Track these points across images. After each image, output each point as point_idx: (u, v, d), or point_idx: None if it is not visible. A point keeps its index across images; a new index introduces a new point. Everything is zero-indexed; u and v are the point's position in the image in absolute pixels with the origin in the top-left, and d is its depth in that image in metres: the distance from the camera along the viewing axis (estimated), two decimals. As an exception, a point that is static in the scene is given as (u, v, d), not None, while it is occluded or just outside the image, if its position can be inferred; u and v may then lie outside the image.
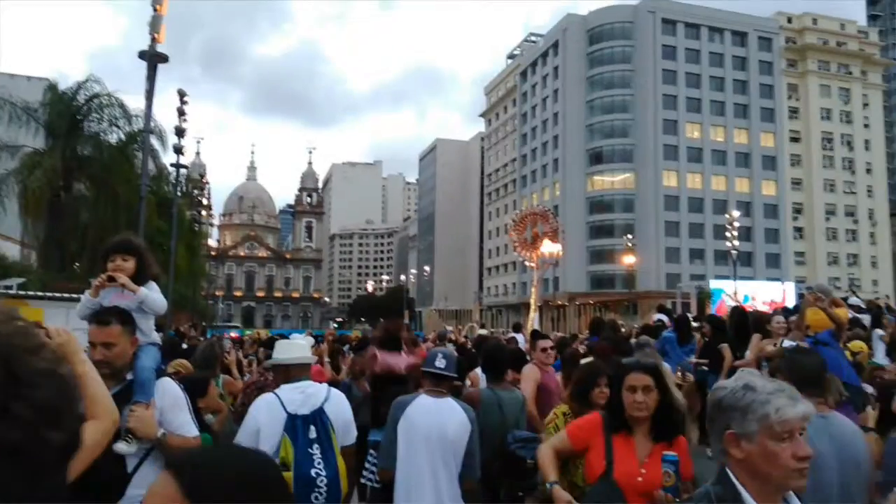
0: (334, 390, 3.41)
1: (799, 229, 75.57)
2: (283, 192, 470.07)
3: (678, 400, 2.83)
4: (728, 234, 39.74)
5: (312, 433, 3.11)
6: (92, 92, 23.27)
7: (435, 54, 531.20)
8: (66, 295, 11.27)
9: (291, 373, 3.37)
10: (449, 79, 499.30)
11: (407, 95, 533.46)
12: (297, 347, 3.49)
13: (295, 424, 3.11)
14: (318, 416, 3.18)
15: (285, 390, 3.28)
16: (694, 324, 10.03)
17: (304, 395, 3.23)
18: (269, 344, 8.51)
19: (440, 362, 3.72)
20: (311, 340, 3.63)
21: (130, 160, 23.57)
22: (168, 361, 4.75)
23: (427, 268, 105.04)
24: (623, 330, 11.93)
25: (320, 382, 3.61)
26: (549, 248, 30.92)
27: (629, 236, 53.34)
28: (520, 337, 12.60)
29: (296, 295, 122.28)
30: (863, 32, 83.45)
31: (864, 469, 2.63)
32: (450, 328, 28.06)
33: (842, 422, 2.81)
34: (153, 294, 2.89)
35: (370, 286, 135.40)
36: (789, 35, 78.34)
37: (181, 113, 18.84)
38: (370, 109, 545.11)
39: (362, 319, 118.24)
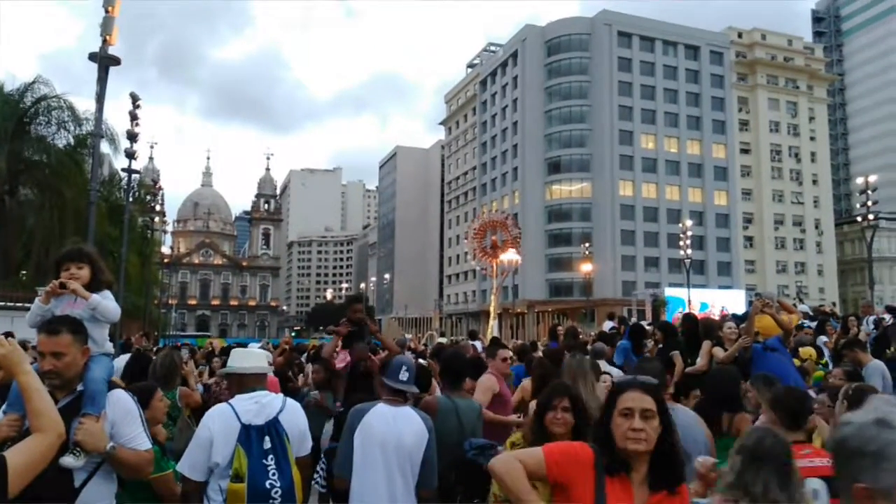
0: (290, 400, 3.35)
1: (749, 238, 77.76)
2: (239, 199, 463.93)
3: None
4: (682, 242, 40.63)
5: (267, 444, 3.06)
6: (40, 94, 22.59)
7: (398, 62, 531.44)
8: (9, 304, 10.88)
9: (246, 382, 3.32)
10: (412, 87, 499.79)
11: (369, 103, 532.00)
12: (252, 356, 3.45)
13: (249, 435, 3.06)
14: (273, 427, 3.13)
15: (239, 400, 3.23)
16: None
17: (258, 406, 3.18)
18: (227, 353, 8.38)
19: (403, 375, 3.71)
20: (268, 354, 3.58)
21: (80, 164, 22.91)
22: (132, 377, 4.67)
23: (387, 275, 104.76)
24: (581, 337, 12.09)
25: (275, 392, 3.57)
26: (508, 256, 31.17)
27: (586, 244, 54.08)
28: (478, 345, 12.66)
29: (252, 303, 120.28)
30: (809, 48, 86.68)
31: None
32: (409, 336, 28.00)
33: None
34: (105, 301, 2.84)
35: (329, 294, 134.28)
36: (739, 50, 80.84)
37: (133, 117, 18.41)
38: (331, 116, 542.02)
39: (321, 328, 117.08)
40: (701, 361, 6.79)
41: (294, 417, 3.27)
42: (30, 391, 2.12)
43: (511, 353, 6.72)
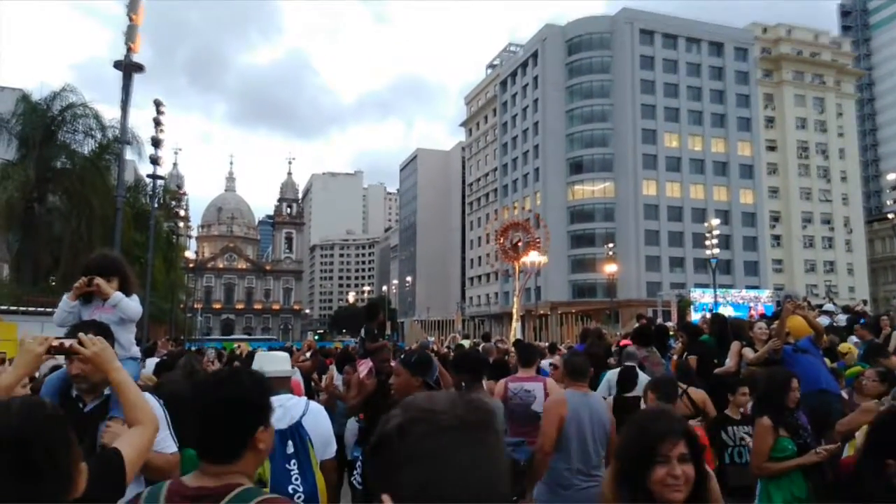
0: (313, 404, 3.35)
1: (777, 237, 76.67)
2: (263, 203, 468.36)
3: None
4: (707, 242, 40.21)
5: (290, 448, 3.04)
6: (67, 102, 23.00)
7: (423, 65, 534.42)
8: (40, 309, 11.08)
9: (273, 386, 3.33)
10: (435, 89, 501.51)
11: (393, 106, 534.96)
12: (276, 360, 3.46)
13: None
14: (296, 431, 3.11)
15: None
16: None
17: (282, 410, 3.14)
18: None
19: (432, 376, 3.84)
20: (286, 356, 3.59)
21: (105, 171, 23.28)
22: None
23: (409, 278, 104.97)
24: (607, 338, 11.98)
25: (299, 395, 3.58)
26: (533, 257, 31.06)
27: (610, 245, 53.71)
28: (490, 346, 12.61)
29: (276, 307, 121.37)
30: (836, 43, 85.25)
31: (606, 428, 4.26)
32: (432, 339, 28.01)
33: (597, 399, 4.50)
34: (127, 299, 2.87)
35: (351, 297, 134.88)
36: (764, 45, 79.79)
37: (157, 123, 18.69)
38: (355, 121, 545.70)
39: (343, 331, 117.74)
40: (730, 362, 6.71)
41: (317, 421, 3.25)
42: (123, 386, 2.19)
43: (556, 361, 6.64)
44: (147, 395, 2.84)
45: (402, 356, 3.96)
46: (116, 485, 1.91)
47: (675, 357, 8.16)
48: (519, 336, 27.63)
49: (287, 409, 3.18)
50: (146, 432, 2.13)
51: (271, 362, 3.42)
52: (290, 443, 3.07)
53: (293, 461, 3.03)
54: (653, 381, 4.51)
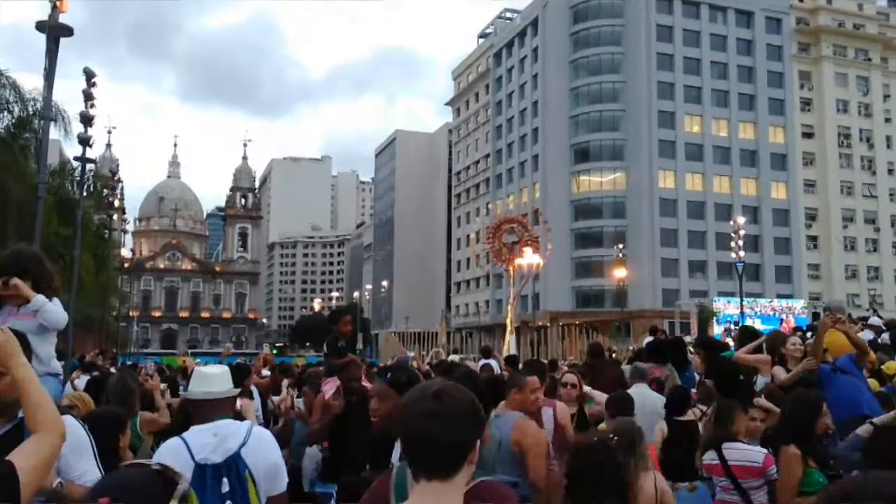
0: (257, 429, 3.29)
1: (813, 238, 77.38)
2: (212, 193, 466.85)
3: None
4: (733, 243, 40.51)
5: (224, 486, 2.98)
6: (-22, 70, 22.65)
7: (406, 35, 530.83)
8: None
9: (206, 410, 3.25)
10: (420, 63, 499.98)
11: (370, 82, 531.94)
12: (215, 378, 3.39)
13: (204, 476, 2.98)
14: (233, 464, 3.04)
15: (195, 433, 3.16)
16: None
17: (217, 439, 3.09)
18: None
19: None
20: (226, 372, 3.50)
21: (23, 152, 22.97)
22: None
23: (385, 282, 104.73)
24: (615, 354, 12.04)
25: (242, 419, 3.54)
26: (530, 259, 31.08)
27: (620, 246, 54.04)
28: (494, 364, 12.63)
29: (227, 315, 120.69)
30: (883, 14, 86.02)
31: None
32: (412, 354, 27.96)
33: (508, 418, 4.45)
34: (50, 304, 2.82)
35: (317, 304, 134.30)
36: (801, 15, 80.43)
37: (88, 97, 18.44)
38: (326, 98, 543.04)
39: (307, 344, 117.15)
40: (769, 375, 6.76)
41: (261, 450, 3.17)
42: (26, 383, 2.14)
43: (574, 380, 6.67)
44: (70, 419, 2.78)
45: (389, 374, 3.86)
46: (8, 501, 1.87)
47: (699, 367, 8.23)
48: (513, 351, 27.66)
49: (223, 438, 3.10)
50: (48, 439, 2.07)
51: (208, 381, 3.35)
52: (224, 480, 3.00)
53: (228, 502, 2.97)
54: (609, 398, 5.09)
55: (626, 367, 8.25)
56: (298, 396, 7.93)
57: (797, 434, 4.22)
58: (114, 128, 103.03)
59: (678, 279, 70.20)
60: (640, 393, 6.34)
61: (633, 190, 71.67)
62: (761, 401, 5.82)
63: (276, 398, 8.89)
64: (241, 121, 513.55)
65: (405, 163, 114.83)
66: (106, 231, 34.00)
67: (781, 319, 39.19)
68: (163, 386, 7.92)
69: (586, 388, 6.86)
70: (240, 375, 6.11)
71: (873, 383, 6.91)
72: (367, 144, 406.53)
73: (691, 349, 11.14)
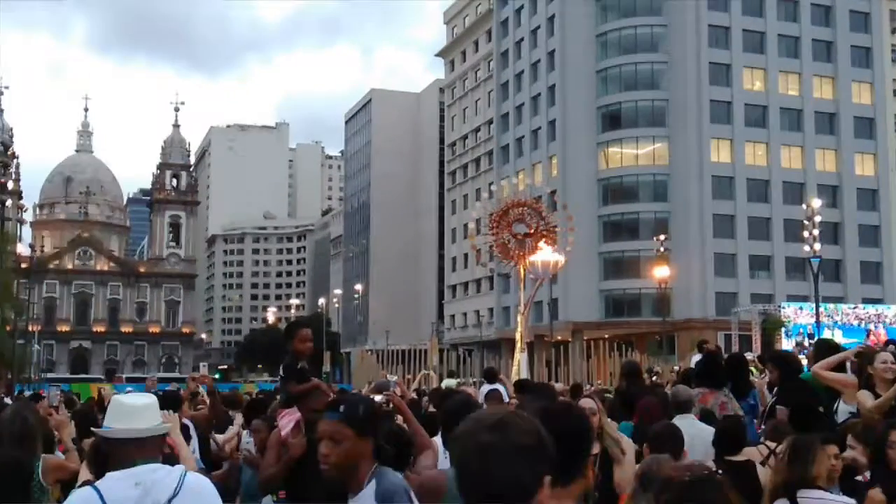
0: (192, 476, 3.28)
1: (909, 226, 77.53)
2: (135, 172, 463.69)
3: None
4: (806, 233, 40.51)
5: None
6: None
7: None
8: None
9: (126, 452, 3.25)
10: (405, 5, 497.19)
11: (342, 28, 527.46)
12: (137, 412, 3.38)
13: None
14: None
15: (112, 482, 3.14)
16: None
17: (139, 490, 3.07)
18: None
19: None
20: (154, 404, 3.47)
21: None
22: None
23: (359, 286, 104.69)
24: (656, 377, 12.06)
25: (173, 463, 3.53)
26: (547, 255, 31.06)
27: (661, 237, 53.91)
28: (502, 390, 12.63)
29: (155, 329, 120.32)
30: None
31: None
32: (394, 378, 27.94)
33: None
34: None
35: (271, 315, 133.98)
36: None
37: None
38: (284, 48, 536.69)
39: (259, 366, 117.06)
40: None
41: (198, 501, 3.20)
42: None
43: (594, 406, 6.67)
44: None
45: (340, 407, 3.66)
46: None
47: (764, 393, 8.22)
48: (524, 374, 27.66)
49: (147, 488, 3.09)
50: None
51: (129, 414, 3.34)
52: None
53: None
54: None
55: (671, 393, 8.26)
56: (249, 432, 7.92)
57: (886, 473, 4.23)
58: (6, 88, 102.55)
59: (735, 280, 70.28)
60: (688, 426, 6.34)
61: (677, 165, 71.70)
62: (853, 452, 5.76)
63: (219, 436, 8.87)
64: (171, 79, 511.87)
65: (384, 131, 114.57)
66: (-2, 222, 33.91)
67: (868, 331, 39.34)
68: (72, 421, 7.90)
69: (607, 424, 6.76)
70: (168, 407, 6.09)
71: None
72: (335, 108, 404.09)
73: (754, 369, 11.19)
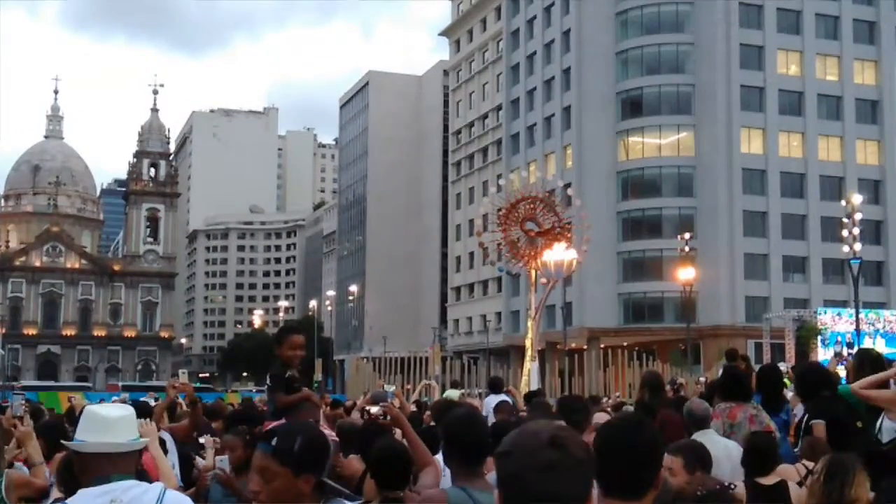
0: (173, 494, 3.31)
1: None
2: (110, 161, 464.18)
3: None
4: (845, 231, 40.47)
5: None
6: None
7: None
8: None
9: (99, 467, 3.26)
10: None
11: (338, 5, 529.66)
12: (111, 424, 3.38)
13: None
14: None
15: (85, 498, 3.17)
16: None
17: None
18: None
19: None
20: (131, 415, 3.44)
21: None
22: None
23: (354, 286, 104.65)
24: (679, 389, 12.03)
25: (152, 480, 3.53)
26: (560, 254, 31.10)
27: (686, 236, 53.84)
28: (510, 401, 12.66)
29: (131, 333, 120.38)
30: None
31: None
32: (391, 388, 28.00)
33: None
34: None
35: (258, 318, 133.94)
36: None
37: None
38: (275, 26, 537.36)
39: (244, 374, 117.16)
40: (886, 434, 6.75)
41: None
42: None
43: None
44: None
45: (273, 439, 3.44)
46: None
47: (795, 415, 8.18)
48: (536, 385, 27.72)
49: None
50: None
51: (104, 426, 3.33)
52: None
53: None
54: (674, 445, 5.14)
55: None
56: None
57: None
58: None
59: (767, 283, 70.24)
60: (710, 443, 6.32)
61: (704, 156, 71.65)
62: None
63: (201, 462, 8.83)
64: (150, 59, 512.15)
65: (382, 118, 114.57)
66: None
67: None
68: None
69: None
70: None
71: None
72: (330, 92, 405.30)
73: (788, 381, 11.16)
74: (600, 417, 6.91)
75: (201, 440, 8.24)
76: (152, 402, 12.66)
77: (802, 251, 71.90)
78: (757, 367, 12.31)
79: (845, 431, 6.48)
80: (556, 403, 9.30)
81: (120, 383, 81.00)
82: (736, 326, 63.98)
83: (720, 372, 13.32)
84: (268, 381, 6.88)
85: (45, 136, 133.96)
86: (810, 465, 5.44)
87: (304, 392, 6.55)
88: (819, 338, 44.06)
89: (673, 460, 5.26)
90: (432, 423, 9.21)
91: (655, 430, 2.83)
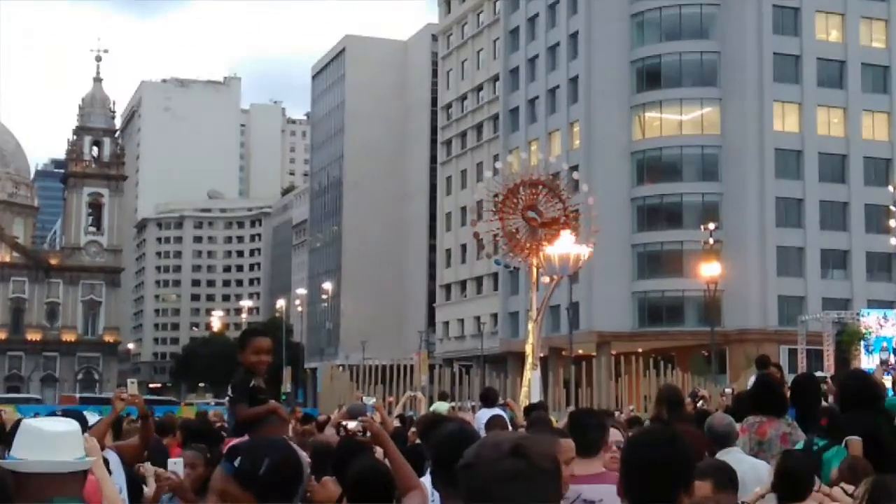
0: None
1: None
2: (45, 139, 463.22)
3: None
4: (893, 221, 40.66)
5: None
6: None
7: None
8: None
9: (40, 489, 3.26)
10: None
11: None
12: (52, 440, 3.39)
13: None
14: None
15: None
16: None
17: None
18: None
19: None
20: (76, 432, 3.42)
21: None
22: None
23: (328, 284, 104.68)
24: (702, 402, 12.05)
25: None
26: (566, 247, 31.09)
27: (711, 226, 53.99)
28: (505, 416, 12.69)
29: (70, 337, 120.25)
30: None
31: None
32: (371, 400, 28.00)
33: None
34: None
35: (217, 321, 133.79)
36: None
37: None
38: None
39: (200, 385, 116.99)
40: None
41: None
42: None
43: (620, 437, 6.68)
44: None
45: (238, 459, 3.37)
46: None
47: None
48: (537, 397, 27.73)
49: None
50: None
51: (45, 443, 3.35)
52: None
53: None
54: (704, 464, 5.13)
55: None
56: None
57: None
58: None
59: (803, 280, 70.45)
60: (735, 462, 6.36)
61: (731, 134, 71.78)
62: None
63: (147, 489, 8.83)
64: (92, 20, 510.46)
65: (361, 90, 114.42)
66: None
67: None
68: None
69: None
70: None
71: None
72: (301, 60, 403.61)
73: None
74: (613, 435, 6.92)
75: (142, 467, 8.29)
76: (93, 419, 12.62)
77: (844, 244, 72.12)
78: (791, 378, 12.32)
79: (885, 450, 6.51)
80: (568, 418, 9.31)
81: (77, 395, 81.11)
82: (767, 330, 64.17)
83: (749, 383, 13.40)
84: (229, 392, 6.87)
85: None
86: (850, 488, 5.47)
87: (270, 404, 6.56)
88: (862, 343, 44.12)
89: (701, 485, 5.27)
90: (418, 441, 9.23)
91: (688, 445, 3.01)
